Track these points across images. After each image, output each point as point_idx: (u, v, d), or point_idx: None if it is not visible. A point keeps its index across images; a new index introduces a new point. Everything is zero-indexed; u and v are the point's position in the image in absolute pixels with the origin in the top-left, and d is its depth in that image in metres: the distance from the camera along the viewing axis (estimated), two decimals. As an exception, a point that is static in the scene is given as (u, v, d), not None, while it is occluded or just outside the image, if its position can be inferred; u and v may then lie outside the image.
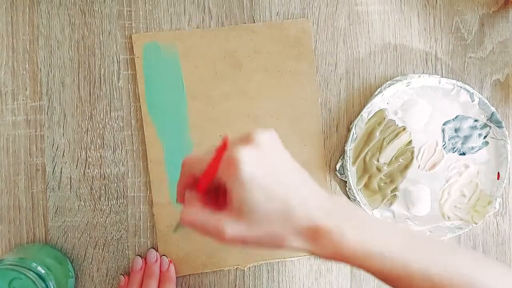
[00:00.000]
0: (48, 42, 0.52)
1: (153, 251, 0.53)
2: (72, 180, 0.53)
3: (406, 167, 0.55)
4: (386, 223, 0.37)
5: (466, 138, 0.55)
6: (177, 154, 0.53)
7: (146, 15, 0.53)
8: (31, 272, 0.44)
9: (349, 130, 0.55)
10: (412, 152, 0.55)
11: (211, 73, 0.54)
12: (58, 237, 0.52)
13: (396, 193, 0.55)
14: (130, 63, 0.53)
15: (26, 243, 0.52)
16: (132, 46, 0.53)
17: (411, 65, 0.56)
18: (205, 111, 0.53)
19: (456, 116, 0.55)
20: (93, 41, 0.53)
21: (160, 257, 0.53)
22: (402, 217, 0.55)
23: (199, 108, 0.53)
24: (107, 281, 0.53)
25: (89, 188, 0.53)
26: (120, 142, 0.53)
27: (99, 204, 0.53)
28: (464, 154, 0.56)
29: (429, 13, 0.57)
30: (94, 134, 0.53)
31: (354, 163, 0.54)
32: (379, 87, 0.55)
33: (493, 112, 0.55)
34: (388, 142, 0.55)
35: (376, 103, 0.54)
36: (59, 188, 0.52)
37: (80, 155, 0.53)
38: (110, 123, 0.53)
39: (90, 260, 0.53)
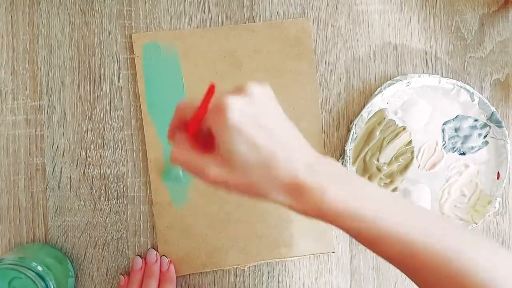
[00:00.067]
0: (48, 41, 0.52)
1: (153, 251, 0.53)
2: (72, 180, 0.53)
3: (406, 167, 0.55)
4: (374, 187, 0.36)
5: (466, 137, 0.55)
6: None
7: (146, 14, 0.53)
8: (31, 272, 0.44)
9: (349, 130, 0.55)
10: (412, 152, 0.55)
11: (211, 72, 0.54)
12: (58, 236, 0.52)
13: (396, 193, 0.55)
14: (130, 63, 0.53)
15: (26, 243, 0.52)
16: (132, 46, 0.53)
17: (411, 65, 0.56)
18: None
19: (456, 116, 0.55)
20: (93, 40, 0.53)
21: (160, 257, 0.53)
22: (402, 217, 0.55)
23: (199, 107, 0.53)
24: (107, 280, 0.53)
25: (89, 188, 0.53)
26: (120, 142, 0.53)
27: (99, 204, 0.53)
28: (464, 153, 0.56)
29: (429, 13, 0.57)
30: (94, 133, 0.53)
31: (354, 163, 0.54)
32: (379, 87, 0.55)
33: (493, 112, 0.55)
34: (388, 142, 0.55)
35: (376, 103, 0.54)
36: (59, 188, 0.52)
37: (80, 155, 0.53)
38: (110, 122, 0.53)
39: (90, 260, 0.53)
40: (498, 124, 0.55)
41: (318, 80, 0.55)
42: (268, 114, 0.33)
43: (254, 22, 0.54)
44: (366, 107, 0.53)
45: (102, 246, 0.53)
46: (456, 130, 0.55)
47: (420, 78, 0.53)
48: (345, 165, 0.53)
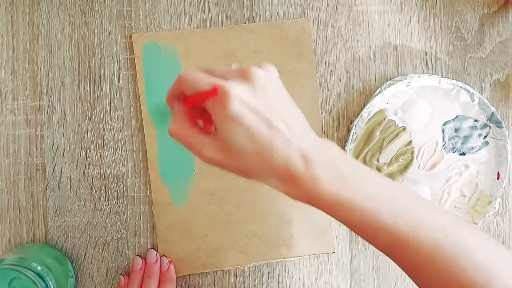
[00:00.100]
0: (48, 42, 0.52)
1: (153, 251, 0.53)
2: (72, 180, 0.53)
3: (406, 167, 0.55)
4: (371, 175, 0.36)
5: (466, 138, 0.55)
6: (177, 155, 0.53)
7: (146, 15, 0.53)
8: (31, 272, 0.44)
9: (349, 130, 0.55)
10: (412, 152, 0.55)
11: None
12: (58, 237, 0.52)
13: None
14: (130, 63, 0.53)
15: (26, 243, 0.52)
16: (132, 46, 0.53)
17: (411, 65, 0.57)
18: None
19: (456, 116, 0.55)
20: (93, 41, 0.53)
21: (160, 257, 0.53)
22: (402, 217, 0.55)
23: (199, 108, 0.53)
24: (107, 281, 0.53)
25: (89, 188, 0.53)
26: (120, 142, 0.53)
27: (99, 204, 0.53)
28: (464, 154, 0.56)
29: (429, 13, 0.57)
30: (94, 134, 0.53)
31: (354, 163, 0.54)
32: (379, 87, 0.55)
33: (493, 112, 0.55)
34: (388, 142, 0.55)
35: (376, 103, 0.54)
36: (59, 188, 0.52)
37: (80, 155, 0.53)
38: (110, 123, 0.53)
39: (90, 260, 0.53)
40: (498, 124, 0.55)
41: (318, 80, 0.55)
42: (270, 103, 0.33)
43: (254, 22, 0.54)
44: (366, 107, 0.53)
45: (102, 247, 0.53)
46: (456, 130, 0.55)
47: (420, 79, 0.53)
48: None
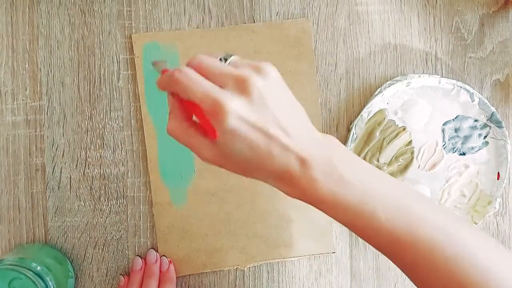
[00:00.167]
0: (48, 42, 0.52)
1: (153, 251, 0.53)
2: (72, 180, 0.53)
3: (406, 167, 0.55)
4: (373, 174, 0.36)
5: (466, 138, 0.55)
6: (177, 155, 0.53)
7: (146, 15, 0.53)
8: (31, 272, 0.44)
9: (349, 130, 0.55)
10: (412, 152, 0.55)
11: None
12: (58, 237, 0.52)
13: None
14: (130, 63, 0.53)
15: (26, 243, 0.52)
16: (132, 46, 0.53)
17: (411, 65, 0.56)
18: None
19: (456, 116, 0.55)
20: (93, 41, 0.53)
21: (160, 257, 0.53)
22: (402, 217, 0.55)
23: (199, 108, 0.53)
24: (107, 281, 0.53)
25: (89, 188, 0.53)
26: (120, 142, 0.53)
27: (99, 204, 0.53)
28: (464, 154, 0.56)
29: (429, 13, 0.57)
30: (94, 134, 0.53)
31: (354, 163, 0.54)
32: (379, 87, 0.55)
33: (493, 112, 0.55)
34: (388, 142, 0.55)
35: (376, 103, 0.54)
36: (59, 188, 0.52)
37: (80, 155, 0.53)
38: (110, 123, 0.53)
39: (90, 260, 0.53)
40: (498, 124, 0.55)
41: (318, 80, 0.55)
42: (267, 111, 0.32)
43: (254, 22, 0.54)
44: (366, 107, 0.53)
45: (102, 247, 0.53)
46: (456, 130, 0.55)
47: (420, 79, 0.53)
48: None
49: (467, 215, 0.55)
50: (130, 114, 0.53)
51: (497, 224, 0.58)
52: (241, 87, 0.32)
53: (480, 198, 0.56)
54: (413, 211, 0.34)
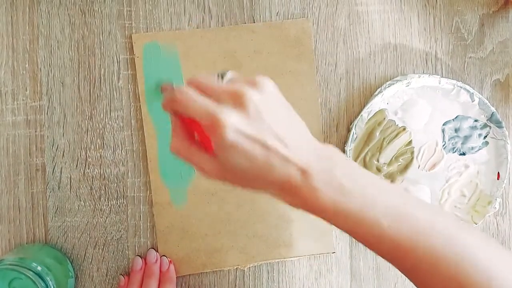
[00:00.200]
0: (48, 42, 0.52)
1: (153, 251, 0.53)
2: (72, 180, 0.53)
3: (406, 167, 0.55)
4: (374, 181, 0.36)
5: (466, 138, 0.55)
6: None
7: (146, 15, 0.53)
8: (31, 272, 0.44)
9: (349, 130, 0.55)
10: (412, 152, 0.55)
11: (211, 73, 0.53)
12: (58, 237, 0.52)
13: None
14: (130, 63, 0.53)
15: (26, 243, 0.52)
16: (132, 46, 0.53)
17: (411, 65, 0.56)
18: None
19: (456, 116, 0.55)
20: (93, 41, 0.53)
21: (160, 257, 0.53)
22: (402, 217, 0.55)
23: (199, 108, 0.53)
24: (107, 281, 0.53)
25: (89, 188, 0.53)
26: (120, 142, 0.53)
27: (99, 204, 0.53)
28: (464, 154, 0.56)
29: (429, 13, 0.57)
30: (94, 134, 0.53)
31: (354, 163, 0.54)
32: (379, 87, 0.55)
33: (493, 112, 0.55)
34: (388, 142, 0.55)
35: (376, 103, 0.54)
36: (59, 188, 0.52)
37: (80, 155, 0.53)
38: (110, 123, 0.53)
39: (90, 260, 0.53)
40: (498, 124, 0.55)
41: (318, 80, 0.55)
42: (264, 123, 0.33)
43: (254, 22, 0.54)
44: (366, 107, 0.53)
45: (102, 247, 0.53)
46: (456, 130, 0.55)
47: (420, 79, 0.53)
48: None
49: (467, 215, 0.55)
50: (130, 114, 0.53)
51: (497, 224, 0.58)
52: (238, 101, 0.33)
53: (480, 198, 0.56)
54: (414, 217, 0.34)
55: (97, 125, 0.53)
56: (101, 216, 0.53)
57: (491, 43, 0.57)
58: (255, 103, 0.33)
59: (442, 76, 0.55)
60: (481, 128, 0.55)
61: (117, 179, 0.53)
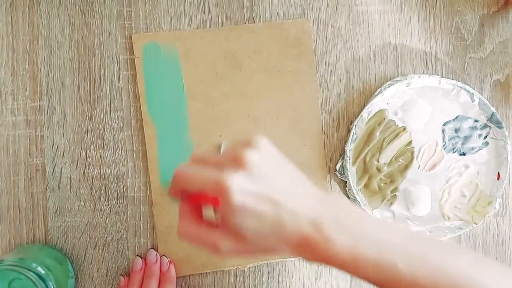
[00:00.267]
0: (48, 42, 0.52)
1: (153, 252, 0.53)
2: (72, 180, 0.53)
3: (406, 167, 0.55)
4: (383, 225, 0.36)
5: (466, 138, 0.55)
6: (177, 155, 0.53)
7: (146, 15, 0.53)
8: (31, 273, 0.44)
9: (349, 130, 0.55)
10: (412, 153, 0.55)
11: (211, 73, 0.54)
12: (58, 237, 0.52)
13: (396, 193, 0.55)
14: (130, 63, 0.53)
15: (26, 244, 0.52)
16: (132, 46, 0.53)
17: (411, 65, 0.56)
18: (205, 111, 0.53)
19: (456, 117, 0.55)
20: (93, 41, 0.53)
21: (160, 257, 0.53)
22: (402, 217, 0.55)
23: (199, 108, 0.53)
24: (107, 281, 0.53)
25: (89, 188, 0.53)
26: (120, 142, 0.53)
27: (99, 204, 0.53)
28: (464, 154, 0.56)
29: (429, 13, 0.57)
30: (94, 134, 0.53)
31: (354, 163, 0.54)
32: (379, 87, 0.55)
33: (493, 113, 0.55)
34: (388, 143, 0.55)
35: (376, 104, 0.54)
36: (59, 188, 0.52)
37: (80, 155, 0.53)
38: (110, 123, 0.53)
39: (90, 261, 0.53)
40: (498, 124, 0.55)
41: (318, 80, 0.55)
42: (268, 180, 0.33)
43: (254, 22, 0.54)
44: (366, 107, 0.53)
45: (102, 247, 0.53)
46: (456, 130, 0.55)
47: (420, 79, 0.53)
48: (345, 166, 0.53)
49: (467, 215, 0.55)
50: (130, 114, 0.53)
51: (497, 225, 0.58)
52: (238, 164, 0.33)
53: (480, 198, 0.56)
54: (431, 259, 0.34)
55: (97, 125, 0.53)
56: (101, 216, 0.53)
57: (491, 43, 0.57)
58: (254, 162, 0.33)
59: (442, 76, 0.55)
60: (481, 129, 0.55)
61: (117, 179, 0.53)
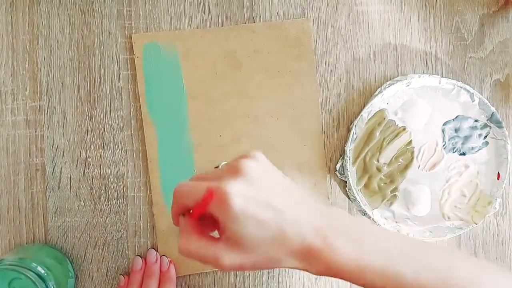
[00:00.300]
0: (48, 42, 0.52)
1: (153, 251, 0.53)
2: (72, 180, 0.53)
3: (406, 167, 0.55)
4: (386, 234, 0.37)
5: (466, 138, 0.55)
6: (177, 155, 0.53)
7: (146, 15, 0.53)
8: (31, 272, 0.44)
9: (349, 130, 0.55)
10: (412, 152, 0.55)
11: (211, 73, 0.54)
12: (58, 237, 0.52)
13: (396, 193, 0.55)
14: (130, 63, 0.53)
15: (26, 243, 0.52)
16: (132, 46, 0.53)
17: (411, 65, 0.56)
18: (205, 111, 0.53)
19: (456, 116, 0.55)
20: (93, 41, 0.53)
21: (160, 257, 0.53)
22: (402, 217, 0.55)
23: (199, 108, 0.53)
24: (107, 281, 0.53)
25: (89, 188, 0.53)
26: (120, 142, 0.53)
27: (99, 204, 0.53)
28: (464, 154, 0.56)
29: (429, 13, 0.57)
30: (94, 134, 0.53)
31: (354, 163, 0.54)
32: (379, 87, 0.55)
33: (493, 112, 0.55)
34: (388, 142, 0.55)
35: (376, 103, 0.54)
36: (59, 188, 0.52)
37: (80, 155, 0.53)
38: (110, 123, 0.53)
39: (90, 260, 0.53)
40: (498, 124, 0.55)
41: (318, 80, 0.55)
42: (268, 188, 0.33)
43: (254, 22, 0.54)
44: (366, 107, 0.53)
45: (102, 247, 0.53)
46: (456, 130, 0.55)
47: (420, 79, 0.53)
48: (345, 165, 0.53)
49: (467, 215, 0.55)
50: (130, 114, 0.53)
51: (497, 224, 0.58)
52: (236, 171, 0.33)
53: (480, 198, 0.56)
54: (435, 265, 0.34)
55: (97, 125, 0.53)
56: (101, 216, 0.53)
57: (491, 43, 0.57)
58: (252, 169, 0.33)
59: (442, 76, 0.55)
60: (481, 128, 0.55)
61: (117, 179, 0.53)
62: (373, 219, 0.54)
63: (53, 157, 0.52)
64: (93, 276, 0.53)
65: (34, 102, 0.52)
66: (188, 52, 0.53)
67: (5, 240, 0.52)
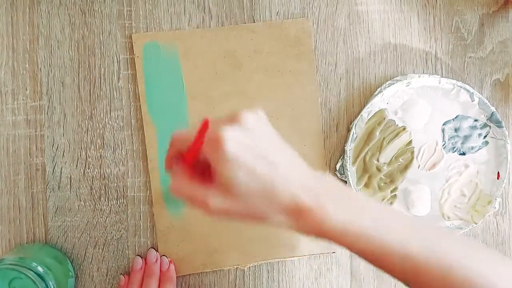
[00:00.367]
0: (48, 42, 0.52)
1: (153, 251, 0.53)
2: (72, 180, 0.53)
3: (406, 167, 0.55)
4: (372, 202, 0.37)
5: (466, 138, 0.55)
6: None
7: (146, 15, 0.53)
8: (31, 272, 0.44)
9: (349, 130, 0.55)
10: (412, 152, 0.55)
11: (211, 73, 0.54)
12: (58, 237, 0.52)
13: (396, 193, 0.55)
14: (130, 63, 0.53)
15: (26, 243, 0.52)
16: (132, 46, 0.53)
17: (411, 65, 0.57)
18: (205, 111, 0.53)
19: (456, 116, 0.55)
20: (93, 41, 0.53)
21: (160, 257, 0.53)
22: (402, 217, 0.55)
23: (199, 108, 0.53)
24: (107, 280, 0.53)
25: (89, 188, 0.53)
26: (120, 142, 0.53)
27: (99, 204, 0.53)
28: (464, 154, 0.56)
29: (429, 13, 0.57)
30: (94, 134, 0.53)
31: (354, 163, 0.54)
32: (379, 87, 0.55)
33: (493, 112, 0.55)
34: (388, 142, 0.55)
35: (376, 103, 0.54)
36: (59, 188, 0.52)
37: (80, 155, 0.53)
38: (110, 123, 0.53)
39: (90, 260, 0.53)
40: (498, 124, 0.55)
41: (318, 80, 0.55)
42: (263, 141, 0.33)
43: (254, 22, 0.54)
44: (366, 107, 0.53)
45: (102, 246, 0.53)
46: (456, 130, 0.55)
47: (420, 78, 0.53)
48: (345, 165, 0.53)
49: (467, 214, 0.55)
50: (130, 114, 0.53)
51: (497, 224, 0.58)
52: (235, 118, 0.33)
53: (480, 197, 0.56)
54: (421, 234, 0.34)
55: (97, 125, 0.53)
56: (101, 216, 0.53)
57: (491, 43, 0.57)
58: (251, 119, 0.33)
59: (442, 76, 0.55)
60: (481, 128, 0.55)
61: (117, 179, 0.53)
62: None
63: (53, 157, 0.52)
64: (93, 276, 0.53)
65: (35, 102, 0.52)
66: (188, 52, 0.53)
67: (5, 240, 0.52)
